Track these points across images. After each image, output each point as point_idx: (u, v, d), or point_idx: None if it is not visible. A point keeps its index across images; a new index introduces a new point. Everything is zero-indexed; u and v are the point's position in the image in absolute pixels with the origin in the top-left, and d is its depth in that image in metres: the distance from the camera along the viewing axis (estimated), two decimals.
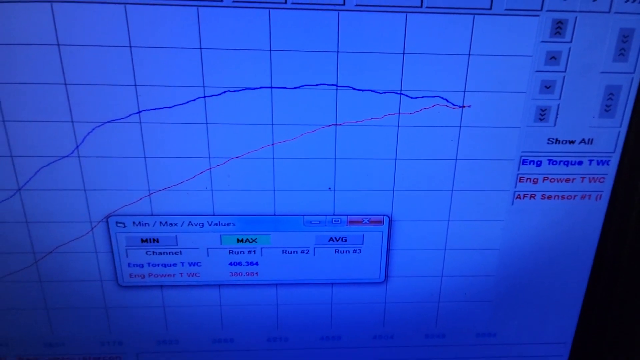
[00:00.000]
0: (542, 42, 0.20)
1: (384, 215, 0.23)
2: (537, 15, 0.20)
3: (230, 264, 0.24)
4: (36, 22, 0.19)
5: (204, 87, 0.20)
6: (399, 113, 0.21)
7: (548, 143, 0.22)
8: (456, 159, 0.22)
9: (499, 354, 0.27)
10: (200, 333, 0.25)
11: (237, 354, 0.26)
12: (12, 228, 0.22)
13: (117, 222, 0.22)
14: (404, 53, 0.20)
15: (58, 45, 0.19)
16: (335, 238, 0.24)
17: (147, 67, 0.20)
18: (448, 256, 0.24)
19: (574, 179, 0.23)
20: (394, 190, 0.23)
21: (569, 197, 0.24)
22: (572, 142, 0.22)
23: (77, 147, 0.21)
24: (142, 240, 0.23)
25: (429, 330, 0.26)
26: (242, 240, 0.23)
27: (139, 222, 0.23)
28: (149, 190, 0.22)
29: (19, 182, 0.21)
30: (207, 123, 0.21)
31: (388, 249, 0.24)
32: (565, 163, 0.23)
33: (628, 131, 0.22)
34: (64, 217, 0.22)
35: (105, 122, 0.21)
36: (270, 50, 0.20)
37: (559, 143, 0.22)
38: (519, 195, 0.23)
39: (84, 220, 0.22)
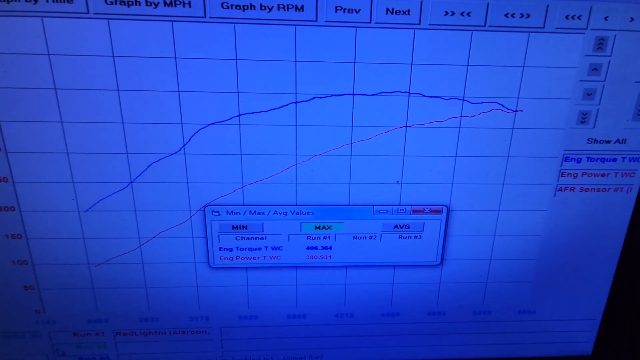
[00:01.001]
0: (586, 55, 0.24)
1: (443, 206, 0.27)
2: (583, 33, 0.23)
3: (308, 248, 0.27)
4: (159, 38, 0.22)
5: (296, 94, 0.24)
6: (461, 116, 0.25)
7: (587, 143, 0.26)
8: (508, 157, 0.26)
9: (537, 329, 0.31)
10: (277, 309, 0.29)
11: (309, 328, 0.29)
12: (122, 216, 0.25)
13: (212, 211, 0.26)
14: (467, 65, 0.24)
15: (175, 58, 0.22)
16: (400, 225, 0.27)
17: (249, 77, 0.23)
18: (497, 242, 0.28)
19: (608, 174, 0.27)
20: (452, 183, 0.26)
21: (604, 190, 0.27)
22: (608, 141, 0.26)
23: (184, 145, 0.24)
24: (233, 227, 0.26)
25: (476, 308, 0.30)
26: (319, 227, 0.27)
27: (232, 211, 0.26)
28: (242, 183, 0.25)
29: (131, 176, 0.25)
30: (296, 125, 0.24)
31: (445, 235, 0.27)
32: (602, 160, 0.26)
33: None
34: (168, 206, 0.25)
35: (209, 124, 0.24)
36: (355, 62, 0.23)
37: (596, 143, 0.26)
38: (560, 188, 0.27)
39: (184, 210, 0.26)
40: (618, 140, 0.26)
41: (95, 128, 0.24)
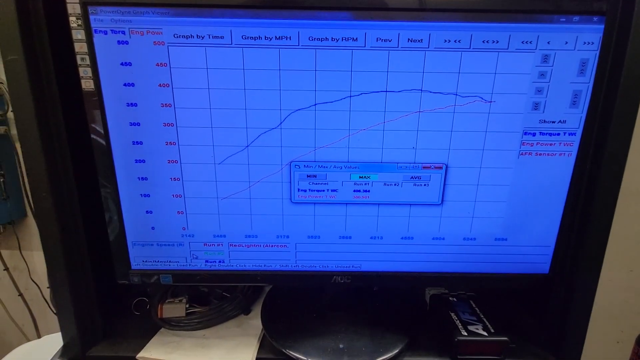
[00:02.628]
0: (536, 66, 0.38)
1: (443, 164, 0.41)
2: (534, 52, 0.37)
3: (354, 190, 0.42)
4: (271, 58, 0.37)
5: (350, 91, 0.39)
6: (455, 105, 0.39)
7: (539, 122, 0.40)
8: (486, 131, 0.40)
9: (509, 252, 0.45)
10: (332, 232, 0.44)
11: (353, 246, 0.44)
12: (240, 169, 0.41)
13: (295, 165, 0.41)
14: (459, 72, 0.38)
15: (279, 70, 0.38)
16: (414, 176, 0.42)
17: (323, 81, 0.38)
18: (479, 189, 0.42)
19: (554, 143, 0.40)
20: (449, 149, 0.41)
21: (551, 154, 0.41)
22: (553, 122, 0.40)
23: (281, 123, 0.40)
24: (307, 176, 0.42)
25: (466, 235, 0.44)
26: (362, 177, 0.42)
27: (307, 165, 0.41)
28: (315, 147, 0.41)
29: (248, 142, 0.40)
30: (350, 111, 0.39)
31: (444, 184, 0.42)
32: (549, 134, 0.40)
33: (587, 116, 0.39)
34: (269, 161, 0.41)
35: (297, 110, 0.39)
36: (387, 72, 0.38)
37: (545, 122, 0.40)
38: (522, 152, 0.41)
39: (278, 164, 0.41)
40: (560, 120, 0.40)
41: (229, 112, 0.39)
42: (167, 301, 0.50)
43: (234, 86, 0.38)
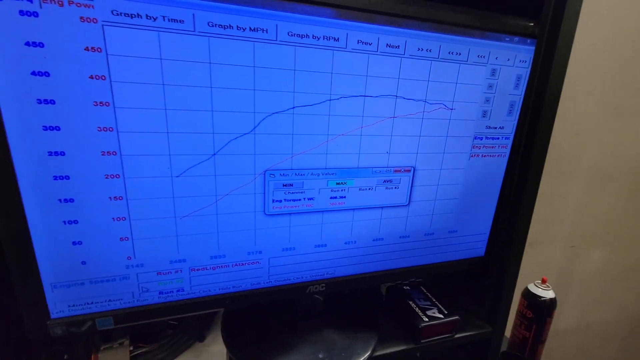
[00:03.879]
0: (486, 78, 0.43)
1: (411, 167, 0.43)
2: (485, 65, 0.42)
3: (330, 197, 0.41)
4: (244, 52, 0.32)
5: (330, 94, 0.36)
6: (424, 111, 0.41)
7: (486, 128, 0.45)
8: (447, 136, 0.44)
9: (458, 242, 0.51)
10: (307, 241, 0.42)
11: (327, 254, 0.43)
12: (204, 180, 0.35)
13: (270, 174, 0.37)
14: (428, 81, 0.40)
15: (254, 67, 0.33)
16: (387, 180, 0.43)
17: (302, 82, 0.35)
18: (439, 189, 0.46)
19: (494, 146, 0.47)
20: (417, 153, 0.43)
21: (492, 156, 0.47)
22: (495, 127, 0.46)
23: (255, 127, 0.35)
24: (283, 185, 0.38)
25: (427, 231, 0.48)
26: (339, 183, 0.41)
27: (283, 174, 0.38)
28: (292, 154, 0.37)
29: (215, 149, 0.34)
30: (329, 115, 0.37)
31: (412, 186, 0.44)
32: (493, 138, 0.46)
33: (518, 123, 0.47)
34: (240, 171, 0.36)
35: (273, 113, 0.35)
36: (367, 76, 0.37)
37: (491, 128, 0.46)
38: (472, 155, 0.46)
39: (251, 173, 0.36)
40: (500, 127, 0.46)
41: (190, 114, 0.32)
42: (102, 348, 0.40)
43: (198, 83, 0.32)
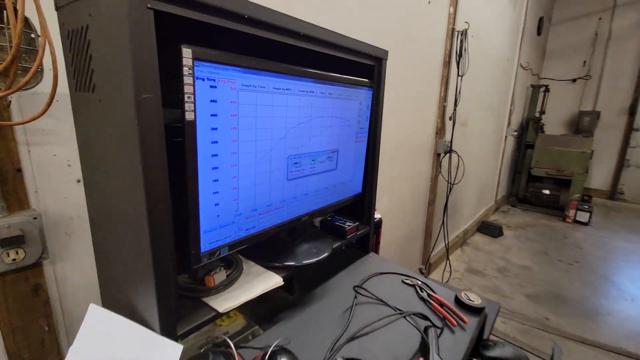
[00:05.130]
0: (358, 105, 0.95)
1: (337, 149, 0.90)
2: (357, 100, 0.94)
3: (310, 167, 0.82)
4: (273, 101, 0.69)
5: (310, 116, 0.78)
6: (340, 125, 0.89)
7: (360, 129, 0.98)
8: (348, 133, 0.93)
9: (353, 187, 1.03)
10: (303, 192, 0.81)
11: (308, 199, 0.83)
12: (266, 164, 0.68)
13: (290, 157, 0.74)
14: (334, 108, 0.88)
15: (286, 107, 0.70)
16: (329, 157, 0.88)
17: (298, 112, 0.74)
18: (347, 161, 0.96)
19: (362, 137, 1.01)
20: (339, 142, 0.90)
21: (362, 141, 1.01)
22: (362, 128, 1.00)
23: (285, 135, 0.72)
24: (294, 163, 0.76)
25: (341, 181, 0.97)
26: (313, 160, 0.82)
27: (294, 157, 0.76)
28: (297, 147, 0.76)
29: (271, 147, 0.69)
30: (310, 127, 0.78)
31: (337, 159, 0.91)
32: (361, 134, 1.00)
33: (369, 126, 1.03)
34: (280, 157, 0.71)
35: (291, 128, 0.73)
36: (312, 107, 0.81)
37: (361, 129, 0.99)
38: (356, 141, 0.98)
39: (283, 158, 0.72)
40: (364, 128, 1.01)
41: (264, 131, 0.66)
42: (212, 273, 0.65)
43: (267, 115, 0.66)
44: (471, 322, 0.81)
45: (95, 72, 0.50)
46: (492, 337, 1.11)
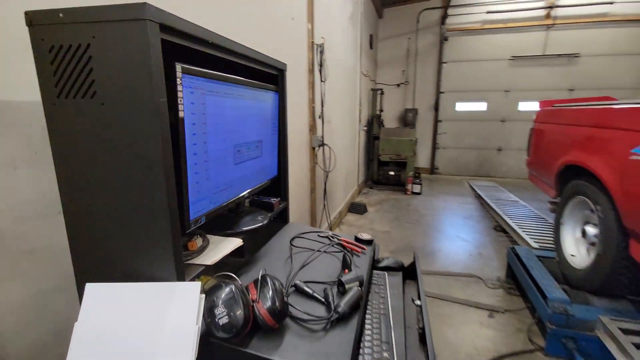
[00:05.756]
0: (270, 104, 1.24)
1: (262, 139, 1.16)
2: (269, 101, 1.23)
3: (247, 154, 1.06)
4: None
5: (248, 114, 1.02)
6: (261, 119, 1.16)
7: (273, 124, 1.27)
8: (267, 127, 1.21)
9: (273, 169, 1.30)
10: (249, 173, 1.04)
11: (247, 179, 1.07)
12: (221, 152, 0.90)
13: (235, 146, 0.97)
14: (257, 108, 1.15)
15: (238, 109, 0.93)
16: (257, 146, 1.13)
17: (237, 112, 0.98)
18: (268, 147, 1.23)
19: (275, 130, 1.30)
20: (263, 134, 1.17)
21: (276, 134, 1.31)
22: (275, 123, 1.29)
23: (232, 127, 0.94)
24: (238, 151, 0.99)
25: (267, 165, 1.23)
26: (249, 149, 1.06)
27: (237, 146, 0.99)
28: (239, 139, 0.99)
29: (225, 137, 0.90)
30: (244, 123, 1.03)
31: (262, 147, 1.18)
32: (274, 129, 1.29)
33: (278, 123, 1.32)
34: (228, 146, 0.93)
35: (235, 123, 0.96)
36: (246, 107, 1.06)
37: (274, 123, 1.28)
38: (272, 133, 1.26)
39: (232, 147, 0.95)
40: (276, 122, 1.30)
41: (221, 125, 0.88)
42: (194, 239, 0.81)
43: (221, 112, 0.88)
44: (368, 249, 1.22)
45: (97, 82, 0.63)
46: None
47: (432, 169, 7.43)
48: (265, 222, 1.10)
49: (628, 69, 5.95)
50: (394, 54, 7.17)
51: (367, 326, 0.86)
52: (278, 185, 1.40)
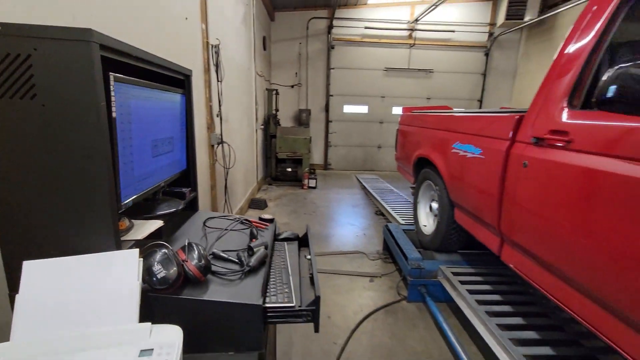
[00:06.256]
0: (179, 105, 1.41)
1: (172, 136, 1.34)
2: (177, 102, 1.40)
3: (163, 149, 1.22)
4: None
5: (162, 109, 1.20)
6: (174, 117, 1.33)
7: (181, 123, 1.45)
8: (177, 126, 1.38)
9: (180, 163, 1.48)
10: (164, 164, 1.21)
11: (165, 169, 1.24)
12: (142, 142, 1.07)
13: (152, 141, 1.14)
14: (169, 108, 1.32)
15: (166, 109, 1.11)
16: (170, 142, 1.30)
17: (155, 110, 1.16)
18: (181, 142, 1.40)
19: (183, 127, 1.48)
20: (173, 131, 1.34)
21: (184, 131, 1.48)
22: (183, 122, 1.47)
23: (152, 122, 1.11)
24: (155, 145, 1.16)
25: (177, 159, 1.40)
26: (164, 142, 1.23)
27: (154, 140, 1.16)
28: (155, 133, 1.16)
29: (145, 133, 1.07)
30: (160, 121, 1.20)
31: (174, 142, 1.35)
32: (184, 124, 1.47)
33: (185, 119, 1.50)
34: (146, 141, 1.10)
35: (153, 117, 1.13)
36: (162, 108, 1.24)
37: (182, 122, 1.45)
38: (180, 130, 1.44)
39: (149, 142, 1.12)
40: (184, 121, 1.48)
41: (145, 121, 1.05)
42: (122, 220, 0.96)
43: (142, 112, 1.05)
44: (270, 226, 1.53)
45: (38, 86, 0.76)
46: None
47: (326, 165, 8.19)
48: (181, 207, 1.29)
49: (466, 84, 7.77)
50: (287, 56, 7.62)
51: (272, 277, 1.17)
52: (188, 177, 1.57)
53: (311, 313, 1.00)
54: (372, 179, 6.73)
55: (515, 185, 1.65)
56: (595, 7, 1.39)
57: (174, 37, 2.33)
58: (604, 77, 1.02)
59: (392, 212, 4.26)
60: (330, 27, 7.37)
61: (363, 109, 7.96)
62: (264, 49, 6.63)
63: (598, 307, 1.21)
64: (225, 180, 3.49)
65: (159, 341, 0.76)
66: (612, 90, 0.96)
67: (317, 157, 8.17)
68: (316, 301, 1.00)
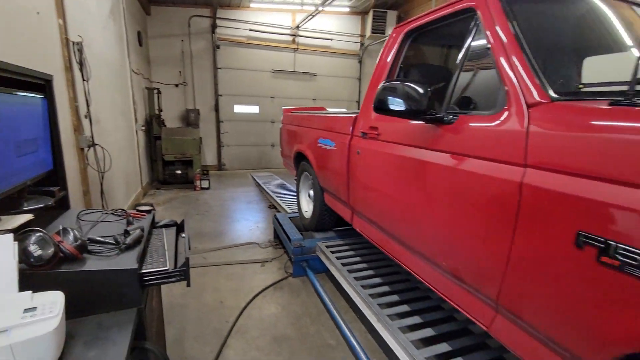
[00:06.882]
0: (42, 109, 1.49)
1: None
2: (46, 98, 1.48)
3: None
4: None
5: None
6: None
7: (45, 128, 1.52)
8: (42, 130, 1.46)
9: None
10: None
11: None
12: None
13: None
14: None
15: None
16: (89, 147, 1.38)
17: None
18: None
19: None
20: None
21: (59, 133, 1.55)
22: (46, 127, 1.54)
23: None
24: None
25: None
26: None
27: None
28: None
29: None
30: (99, 122, 1.29)
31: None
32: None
33: (50, 122, 1.57)
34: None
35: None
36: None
37: (46, 128, 1.53)
38: (45, 130, 1.51)
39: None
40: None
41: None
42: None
43: (13, 115, 1.15)
44: (148, 216, 1.71)
45: None
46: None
47: (220, 166, 8.20)
48: (50, 203, 1.39)
49: (345, 87, 8.80)
50: (168, 53, 7.35)
51: (149, 253, 1.39)
52: (56, 176, 1.63)
53: (183, 273, 1.27)
54: (266, 176, 7.08)
55: (355, 168, 2.21)
56: (391, 40, 2.02)
57: (25, 34, 2.23)
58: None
59: (282, 204, 4.69)
60: (214, 26, 7.41)
61: (254, 109, 8.24)
62: (140, 44, 6.29)
63: (402, 248, 1.81)
64: (101, 185, 3.35)
65: (41, 301, 0.93)
66: (375, 100, 1.51)
67: (210, 158, 8.10)
68: (186, 263, 1.27)
